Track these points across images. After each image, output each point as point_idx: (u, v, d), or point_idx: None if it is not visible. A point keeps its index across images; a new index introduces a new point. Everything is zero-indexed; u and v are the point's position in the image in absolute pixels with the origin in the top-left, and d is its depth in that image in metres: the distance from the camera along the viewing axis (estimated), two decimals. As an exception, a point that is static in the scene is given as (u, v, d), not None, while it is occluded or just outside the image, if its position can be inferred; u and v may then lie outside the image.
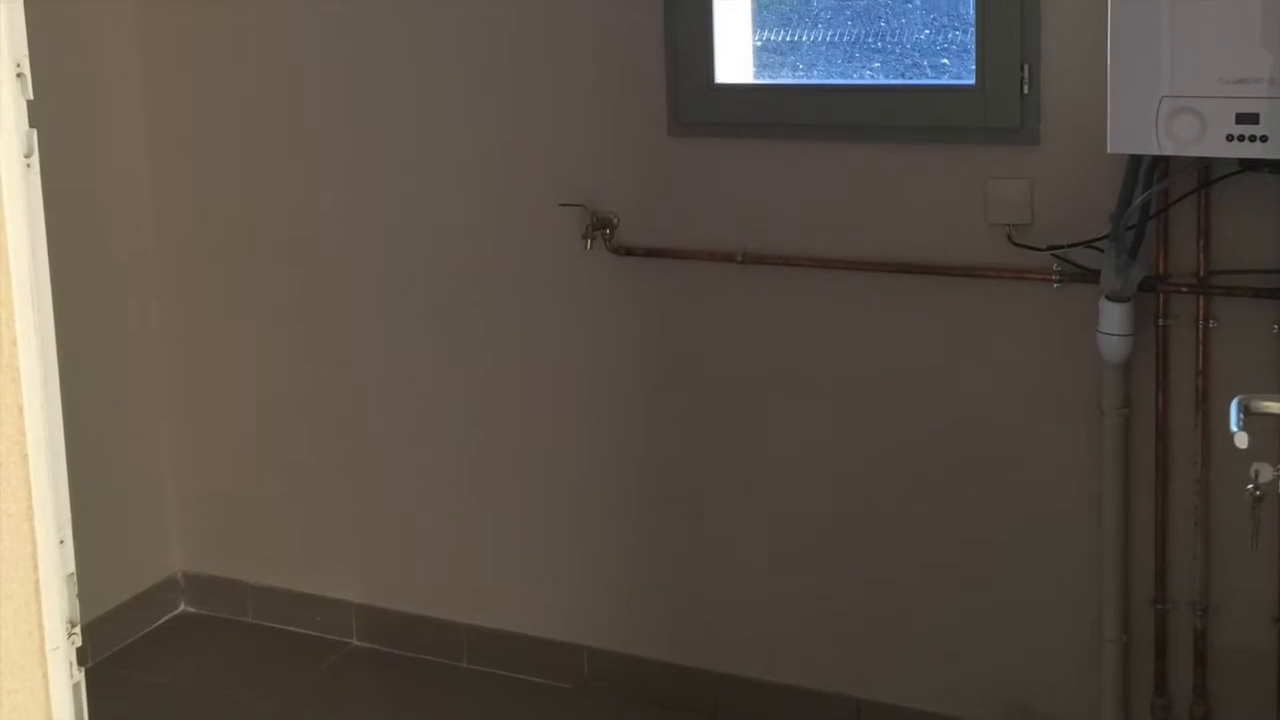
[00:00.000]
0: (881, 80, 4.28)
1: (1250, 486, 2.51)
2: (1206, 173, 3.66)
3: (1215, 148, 3.36)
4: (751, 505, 4.41)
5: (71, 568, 1.76)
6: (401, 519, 4.95)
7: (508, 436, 4.73)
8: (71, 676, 1.75)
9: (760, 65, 4.40)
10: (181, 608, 5.36)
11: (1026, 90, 3.84)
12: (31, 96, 1.74)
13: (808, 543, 4.36)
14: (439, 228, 4.67)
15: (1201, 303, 3.74)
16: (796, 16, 4.39)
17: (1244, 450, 2.43)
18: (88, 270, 4.76)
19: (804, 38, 4.38)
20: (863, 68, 4.32)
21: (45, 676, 1.72)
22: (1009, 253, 3.91)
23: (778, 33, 4.41)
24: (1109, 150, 3.47)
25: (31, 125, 1.75)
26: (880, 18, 4.30)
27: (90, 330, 4.79)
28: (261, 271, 4.98)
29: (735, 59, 4.32)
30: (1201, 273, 3.72)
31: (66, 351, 1.78)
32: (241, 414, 5.16)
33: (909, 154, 4.04)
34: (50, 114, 1.88)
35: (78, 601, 1.77)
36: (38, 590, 1.71)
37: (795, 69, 4.40)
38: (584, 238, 4.41)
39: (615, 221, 4.39)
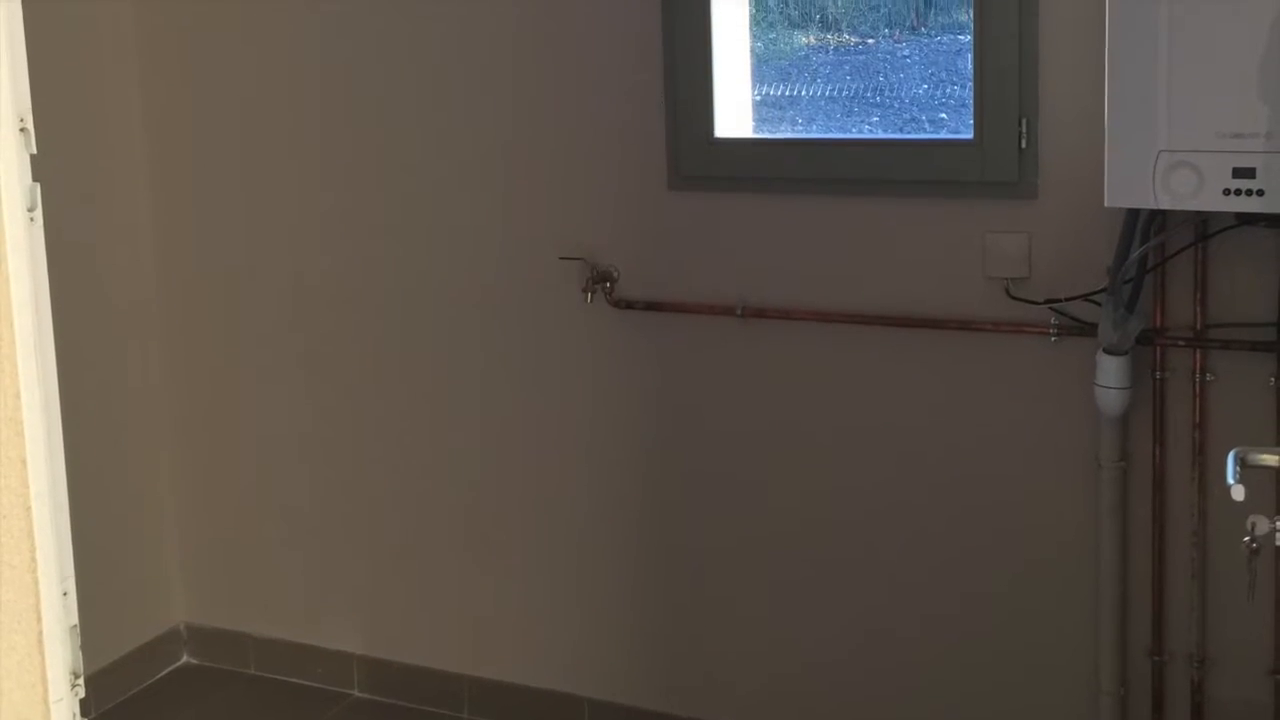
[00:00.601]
0: (880, 135, 4.30)
1: (1246, 539, 2.52)
2: (1203, 227, 3.67)
3: (1212, 202, 3.36)
4: (751, 556, 4.42)
5: (75, 619, 1.76)
6: (402, 570, 4.95)
7: (508, 488, 4.74)
8: (75, 728, 1.76)
9: (760, 119, 4.42)
10: (184, 659, 5.36)
11: (1024, 145, 3.85)
12: (35, 150, 1.75)
13: (807, 593, 4.36)
14: (440, 279, 4.69)
15: (1198, 356, 3.75)
16: (796, 71, 4.42)
17: (1241, 503, 2.43)
18: (88, 319, 4.77)
19: (803, 92, 4.40)
20: (861, 122, 4.34)
21: (49, 728, 1.73)
22: (1007, 306, 3.92)
23: (777, 87, 4.43)
24: (1106, 204, 3.47)
25: (35, 179, 1.76)
26: (879, 73, 4.33)
27: (91, 380, 4.80)
28: (262, 322, 5.00)
29: (735, 113, 4.34)
30: (1198, 326, 3.74)
31: (67, 401, 1.79)
32: (242, 465, 5.17)
33: (908, 208, 4.05)
34: (52, 163, 1.89)
35: (81, 653, 1.77)
36: (41, 642, 1.71)
37: (794, 123, 4.42)
38: (584, 291, 4.42)
39: (615, 275, 4.40)
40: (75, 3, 4.74)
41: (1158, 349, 3.79)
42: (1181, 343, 3.76)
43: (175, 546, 5.30)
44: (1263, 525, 2.50)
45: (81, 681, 1.76)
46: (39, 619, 1.71)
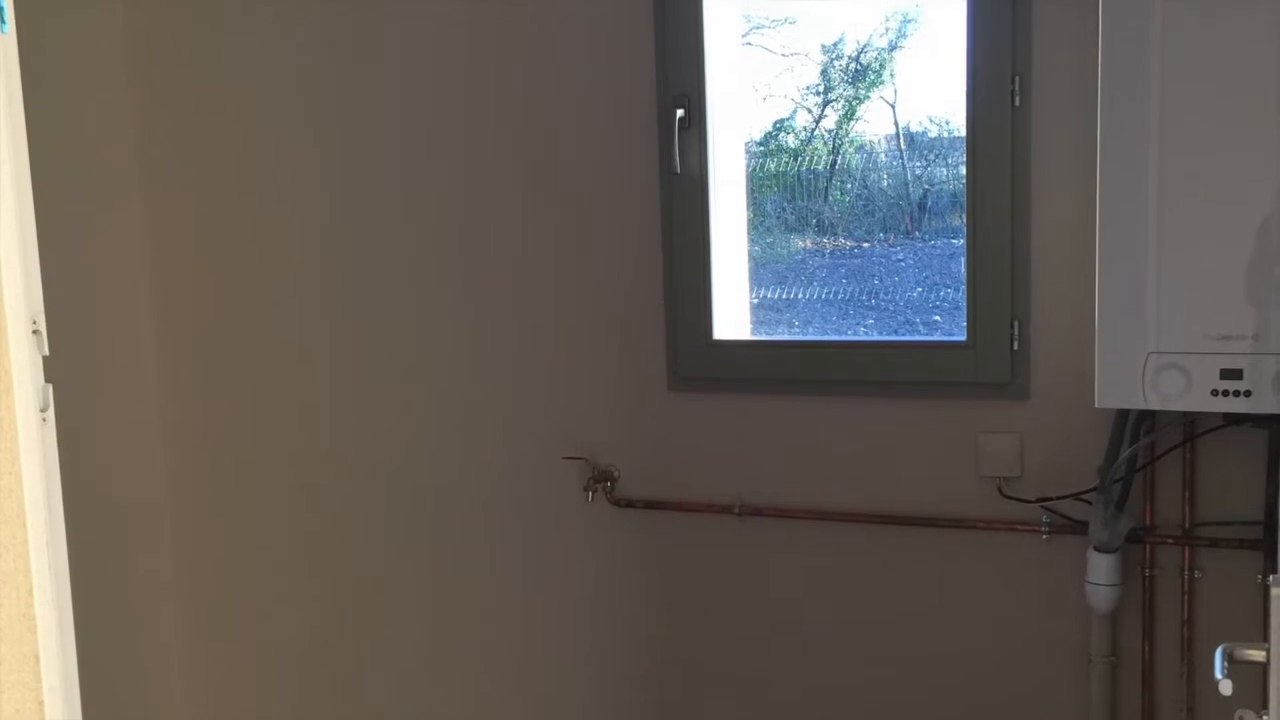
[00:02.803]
0: (875, 337, 4.35)
1: (1234, 734, 2.53)
2: (1192, 426, 3.72)
3: (1200, 402, 3.38)
4: (751, 755, 4.43)
5: (85, 812, 1.78)
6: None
7: (511, 683, 4.74)
8: None
9: (757, 322, 4.48)
10: None
11: (1016, 346, 3.91)
12: (47, 352, 1.78)
13: (807, 792, 4.37)
14: (444, 479, 4.73)
15: (1187, 554, 3.79)
16: (792, 275, 4.47)
17: (1229, 697, 2.45)
18: (98, 516, 4.78)
19: (800, 295, 4.46)
20: (857, 324, 4.39)
21: None
22: (1000, 505, 3.97)
23: (774, 290, 4.49)
24: (1097, 405, 3.48)
25: (47, 380, 1.79)
26: (874, 276, 4.38)
27: (101, 576, 4.80)
28: (268, 518, 5.03)
29: (733, 316, 4.41)
30: (1187, 524, 3.78)
31: (78, 597, 1.82)
32: (249, 657, 5.17)
33: (902, 408, 4.10)
34: (61, 363, 1.91)
35: (88, 845, 1.79)
36: (49, 834, 1.72)
37: (791, 325, 4.47)
38: (585, 490, 4.47)
39: (616, 474, 4.45)
40: (84, 199, 4.82)
41: (1147, 547, 3.83)
42: (1170, 540, 3.79)
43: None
44: (1250, 720, 2.52)
45: None
46: (49, 812, 1.72)
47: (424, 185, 4.61)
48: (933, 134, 4.37)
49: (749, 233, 4.49)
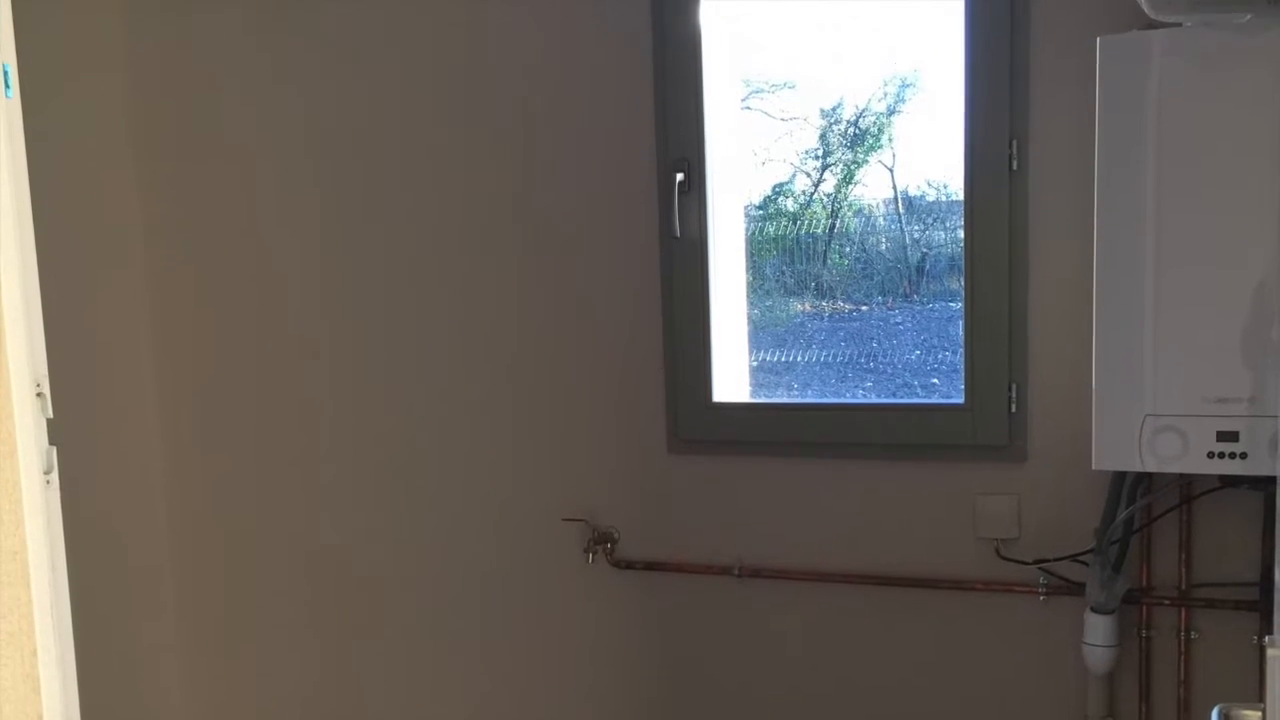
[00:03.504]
0: (874, 399, 4.36)
1: (1230, 794, 2.53)
2: (1188, 488, 3.73)
3: (1197, 465, 3.40)
4: (751, 816, 4.43)
5: None
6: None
7: (511, 747, 4.76)
8: None
9: (756, 384, 4.50)
10: None
11: (1014, 409, 3.93)
12: (51, 415, 1.79)
13: None
14: (444, 543, 4.74)
15: (1183, 615, 3.79)
16: (791, 338, 4.49)
17: (1224, 758, 2.46)
18: (100, 574, 4.79)
19: (799, 358, 4.47)
20: (855, 387, 4.41)
21: None
22: (997, 566, 3.98)
23: (773, 353, 4.50)
24: (1094, 467, 3.51)
25: (51, 442, 1.80)
26: (872, 339, 4.40)
27: (105, 640, 4.80)
28: (270, 582, 5.03)
29: (732, 378, 4.43)
30: (1183, 586, 3.78)
31: (83, 660, 1.83)
32: (250, 717, 5.19)
33: (900, 470, 4.12)
34: (63, 418, 1.92)
35: None
36: None
37: (790, 388, 4.49)
38: (585, 551, 4.48)
39: (616, 536, 4.46)
40: (86, 256, 4.85)
41: (1144, 608, 3.83)
42: (1167, 602, 3.80)
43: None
44: (1245, 780, 2.52)
45: None
46: None
47: (425, 250, 4.63)
48: (931, 198, 4.40)
49: (748, 296, 4.51)
